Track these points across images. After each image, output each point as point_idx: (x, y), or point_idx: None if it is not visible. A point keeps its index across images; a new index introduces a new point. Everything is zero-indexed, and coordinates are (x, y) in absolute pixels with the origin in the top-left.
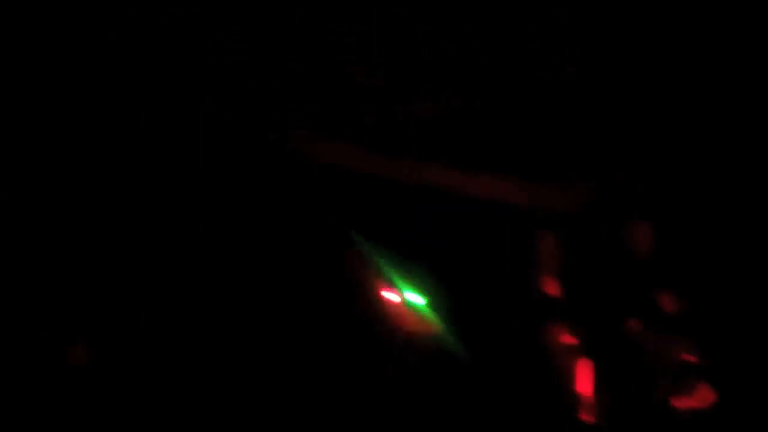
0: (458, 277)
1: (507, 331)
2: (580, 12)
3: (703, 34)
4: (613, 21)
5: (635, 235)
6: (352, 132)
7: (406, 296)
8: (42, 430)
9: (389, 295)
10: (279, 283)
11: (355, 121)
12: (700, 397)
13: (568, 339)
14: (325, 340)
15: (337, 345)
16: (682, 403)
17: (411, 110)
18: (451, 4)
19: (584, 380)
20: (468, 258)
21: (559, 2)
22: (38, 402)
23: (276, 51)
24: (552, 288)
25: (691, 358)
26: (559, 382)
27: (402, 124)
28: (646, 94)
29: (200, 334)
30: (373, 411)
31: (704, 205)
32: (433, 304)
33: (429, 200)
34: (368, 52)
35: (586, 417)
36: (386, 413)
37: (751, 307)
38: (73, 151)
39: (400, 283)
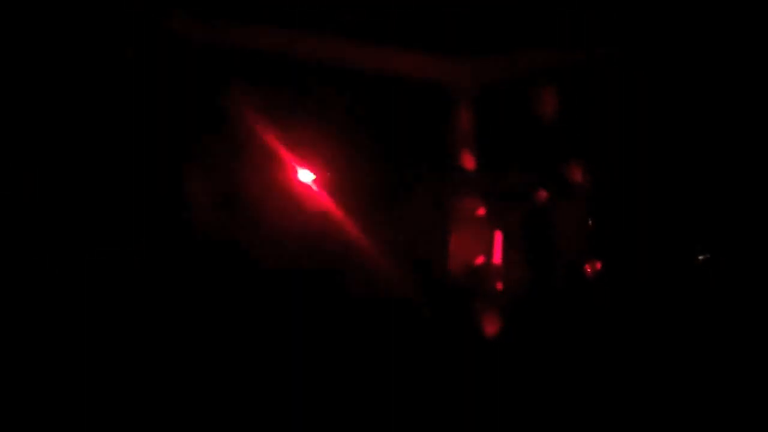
0: (375, 155)
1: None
2: None
3: None
4: None
5: (541, 102)
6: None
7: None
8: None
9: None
10: None
11: None
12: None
13: (482, 211)
14: None
15: None
16: (589, 267)
17: None
18: None
19: (497, 250)
20: (386, 136)
21: None
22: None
23: None
24: (468, 162)
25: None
26: (470, 253)
27: None
28: None
29: None
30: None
31: (608, 77)
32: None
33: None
34: None
35: (499, 285)
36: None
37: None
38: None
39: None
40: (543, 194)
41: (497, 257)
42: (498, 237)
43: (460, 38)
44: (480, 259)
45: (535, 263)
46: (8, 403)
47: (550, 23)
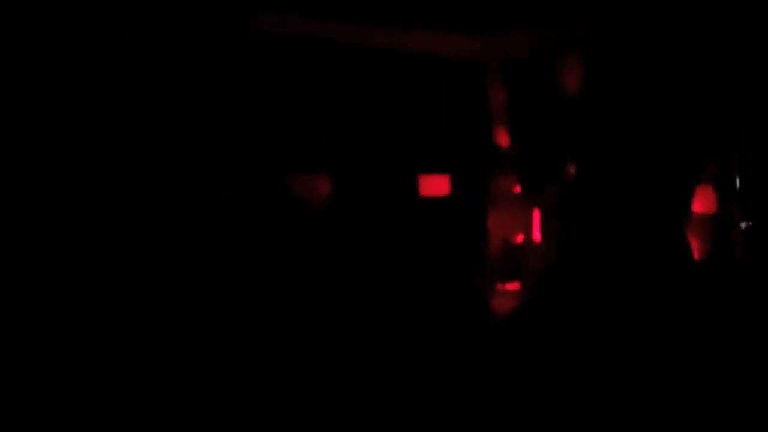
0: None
1: (466, 186)
2: None
3: None
4: None
5: (566, 74)
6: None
7: None
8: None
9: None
10: None
11: None
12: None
13: (518, 189)
14: None
15: None
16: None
17: None
18: None
19: (535, 228)
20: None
21: None
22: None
23: None
24: (503, 139)
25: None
26: (513, 233)
27: None
28: None
29: None
30: None
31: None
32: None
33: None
34: None
35: (539, 263)
36: None
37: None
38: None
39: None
40: (573, 169)
41: (536, 235)
42: (536, 215)
43: (487, 14)
44: (519, 238)
45: (573, 241)
46: (8, 402)
47: None
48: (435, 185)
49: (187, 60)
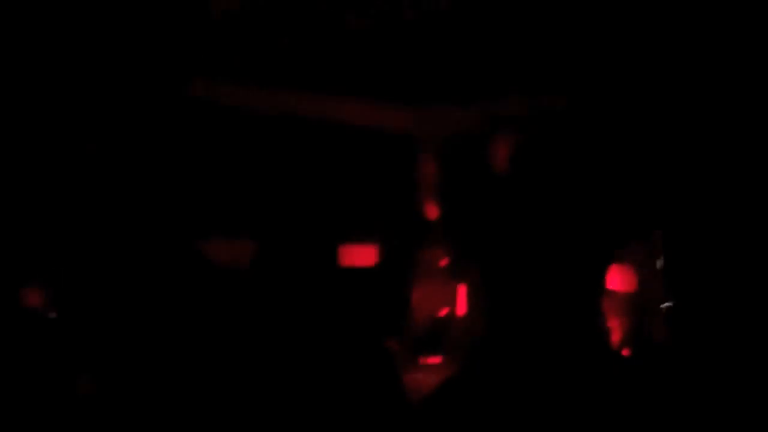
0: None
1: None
2: None
3: None
4: None
5: (496, 152)
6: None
7: None
8: None
9: None
10: None
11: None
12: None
13: (445, 262)
14: None
15: None
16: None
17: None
18: None
19: (460, 303)
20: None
21: None
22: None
23: None
24: (432, 212)
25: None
26: (438, 306)
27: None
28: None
29: None
30: None
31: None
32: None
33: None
34: None
35: (464, 338)
36: None
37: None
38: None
39: None
40: (499, 244)
41: (461, 309)
42: (462, 289)
43: (422, 89)
44: (444, 311)
45: (497, 316)
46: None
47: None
48: (361, 255)
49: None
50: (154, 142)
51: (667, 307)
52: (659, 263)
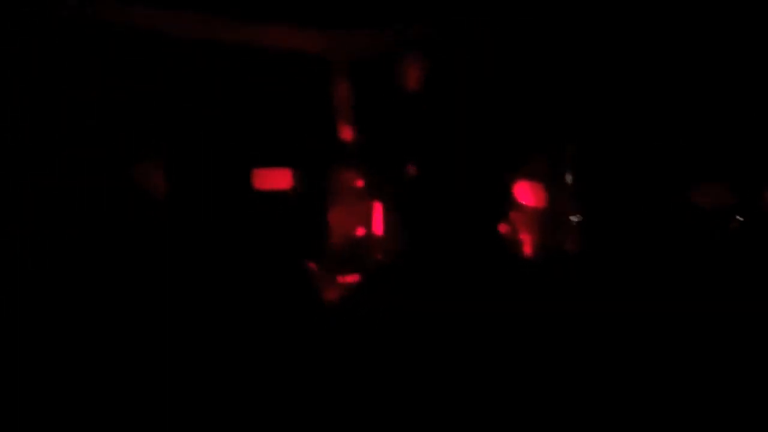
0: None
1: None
2: None
3: None
4: None
5: (407, 73)
6: None
7: None
8: None
9: None
10: None
11: None
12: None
13: (360, 183)
14: None
15: None
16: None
17: None
18: None
19: (376, 222)
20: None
21: None
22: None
23: None
24: (347, 135)
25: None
26: (354, 226)
27: None
28: None
29: None
30: None
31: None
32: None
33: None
34: None
35: (380, 256)
36: None
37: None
38: None
39: None
40: (413, 168)
41: (377, 228)
42: (377, 208)
43: (334, 13)
44: (361, 231)
45: (412, 234)
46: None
47: None
48: (276, 178)
49: None
50: (58, 65)
51: (577, 220)
52: (569, 178)
